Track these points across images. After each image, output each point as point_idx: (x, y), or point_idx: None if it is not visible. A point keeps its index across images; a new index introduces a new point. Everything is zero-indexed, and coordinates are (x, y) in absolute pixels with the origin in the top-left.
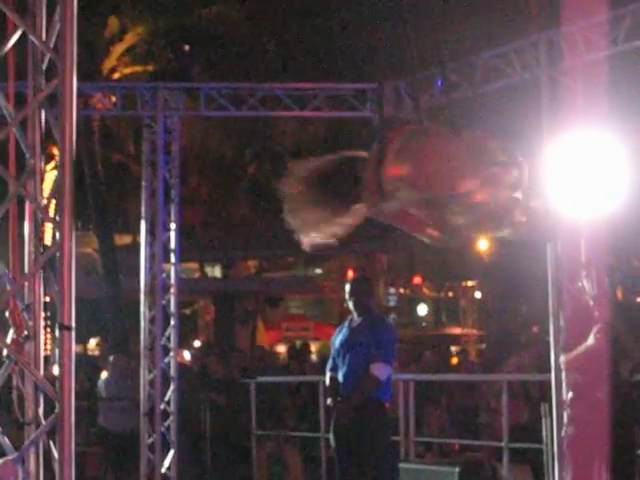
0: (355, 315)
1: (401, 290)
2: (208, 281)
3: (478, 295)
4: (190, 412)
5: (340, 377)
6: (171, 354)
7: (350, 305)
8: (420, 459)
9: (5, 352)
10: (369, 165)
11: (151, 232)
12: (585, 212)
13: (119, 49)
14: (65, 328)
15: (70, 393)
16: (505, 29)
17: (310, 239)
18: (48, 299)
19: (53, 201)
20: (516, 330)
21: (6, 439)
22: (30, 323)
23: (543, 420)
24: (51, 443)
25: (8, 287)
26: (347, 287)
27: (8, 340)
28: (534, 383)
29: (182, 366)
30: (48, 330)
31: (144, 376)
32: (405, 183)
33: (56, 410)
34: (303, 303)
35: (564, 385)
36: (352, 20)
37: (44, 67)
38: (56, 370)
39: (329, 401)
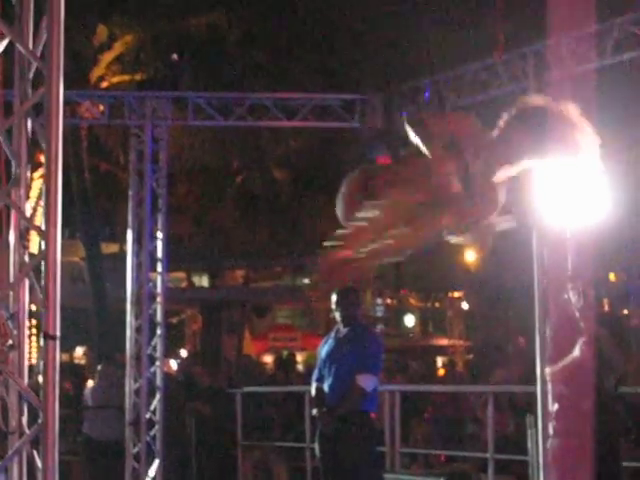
0: (341, 325)
1: (388, 300)
2: (195, 290)
3: (465, 306)
4: (176, 421)
5: (326, 388)
6: (157, 363)
7: (336, 315)
8: (406, 470)
9: None
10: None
11: (138, 241)
12: (572, 224)
13: (108, 57)
14: (50, 337)
15: (54, 402)
16: (493, 41)
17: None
18: (34, 307)
19: (40, 208)
20: (502, 341)
21: None
22: (15, 332)
23: (528, 431)
24: (35, 452)
25: None
26: (333, 297)
27: None
28: (520, 394)
29: (168, 375)
30: (33, 339)
31: (130, 385)
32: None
33: (40, 420)
34: (290, 313)
35: (549, 397)
36: (342, 31)
37: (31, 75)
38: (41, 379)
39: (315, 411)
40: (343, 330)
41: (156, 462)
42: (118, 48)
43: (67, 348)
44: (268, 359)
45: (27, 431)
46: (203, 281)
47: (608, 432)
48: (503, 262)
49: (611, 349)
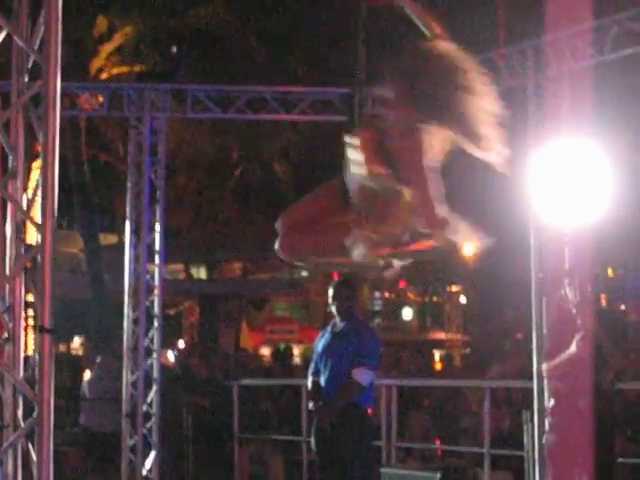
0: (338, 319)
1: (386, 294)
2: (193, 282)
3: (463, 300)
4: (172, 414)
5: (322, 382)
6: (154, 355)
7: (333, 309)
8: (401, 464)
9: None
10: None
11: (136, 233)
12: (570, 220)
13: (107, 49)
14: (45, 331)
15: (49, 396)
16: (493, 35)
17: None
18: (31, 298)
19: (37, 199)
20: (500, 336)
21: None
22: (10, 325)
23: (525, 427)
24: (30, 445)
25: None
26: (330, 291)
27: None
28: (516, 390)
29: (165, 367)
30: (30, 330)
31: (127, 377)
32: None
33: (35, 413)
34: (288, 305)
35: (546, 392)
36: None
37: (29, 66)
38: (36, 372)
39: (311, 405)
40: (340, 324)
41: (152, 454)
42: (118, 39)
43: (65, 339)
44: (265, 351)
45: (22, 424)
46: (201, 273)
47: (604, 427)
48: (502, 256)
49: (608, 345)
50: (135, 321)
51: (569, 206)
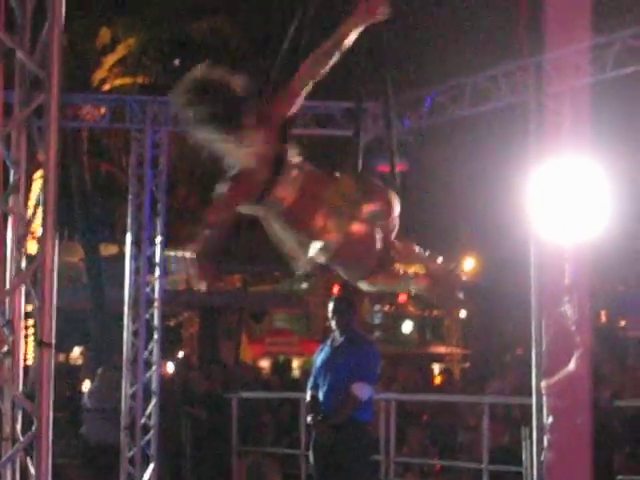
0: (337, 334)
1: (386, 307)
2: (193, 294)
3: (463, 314)
4: (171, 426)
5: (321, 396)
6: (153, 368)
7: (332, 324)
8: (400, 479)
9: None
10: None
11: (136, 245)
12: (569, 237)
13: (110, 60)
14: (44, 345)
15: (48, 410)
16: (494, 52)
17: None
18: (30, 308)
19: (39, 212)
20: (500, 351)
21: None
22: (10, 338)
23: (523, 443)
24: (28, 459)
25: None
26: (330, 305)
27: None
28: (515, 406)
29: (164, 378)
30: (30, 339)
31: (126, 389)
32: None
33: (34, 427)
34: (288, 318)
35: (545, 409)
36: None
37: (31, 79)
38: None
39: (309, 419)
40: (339, 338)
41: (151, 466)
42: (121, 51)
43: (64, 349)
44: (265, 364)
45: (21, 438)
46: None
47: (603, 445)
48: (502, 271)
49: (607, 362)
50: (135, 333)
51: (569, 223)
